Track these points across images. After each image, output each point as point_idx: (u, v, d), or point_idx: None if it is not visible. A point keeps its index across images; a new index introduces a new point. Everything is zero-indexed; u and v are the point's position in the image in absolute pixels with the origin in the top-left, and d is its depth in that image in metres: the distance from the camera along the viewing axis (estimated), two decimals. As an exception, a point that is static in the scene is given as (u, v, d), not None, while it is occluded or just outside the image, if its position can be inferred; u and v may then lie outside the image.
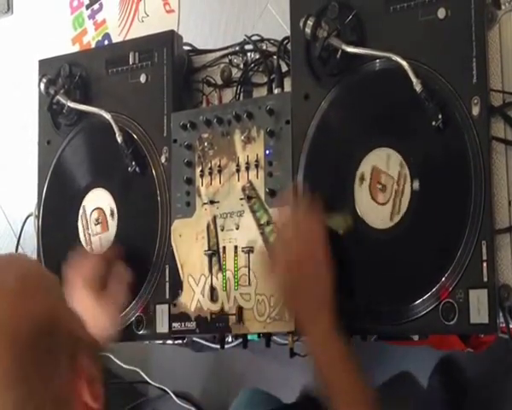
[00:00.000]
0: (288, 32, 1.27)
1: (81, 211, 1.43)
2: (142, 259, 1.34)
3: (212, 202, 1.29)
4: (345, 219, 1.16)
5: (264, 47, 1.37)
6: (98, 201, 1.42)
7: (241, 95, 1.37)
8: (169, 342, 1.37)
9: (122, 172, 1.38)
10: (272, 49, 1.35)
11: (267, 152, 1.25)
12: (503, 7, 1.11)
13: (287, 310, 1.16)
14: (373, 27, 1.17)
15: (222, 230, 1.27)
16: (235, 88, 1.38)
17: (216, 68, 1.40)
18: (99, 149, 1.45)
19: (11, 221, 2.57)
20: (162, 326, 1.30)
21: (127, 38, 2.34)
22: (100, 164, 1.44)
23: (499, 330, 1.05)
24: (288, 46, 1.29)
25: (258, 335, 1.25)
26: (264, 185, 1.24)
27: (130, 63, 1.41)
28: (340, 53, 1.17)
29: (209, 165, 1.30)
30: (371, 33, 1.17)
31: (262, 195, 1.24)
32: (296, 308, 1.12)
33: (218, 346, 1.32)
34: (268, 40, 1.37)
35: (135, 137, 1.38)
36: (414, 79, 1.09)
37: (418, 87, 1.08)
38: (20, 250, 1.69)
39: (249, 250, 1.23)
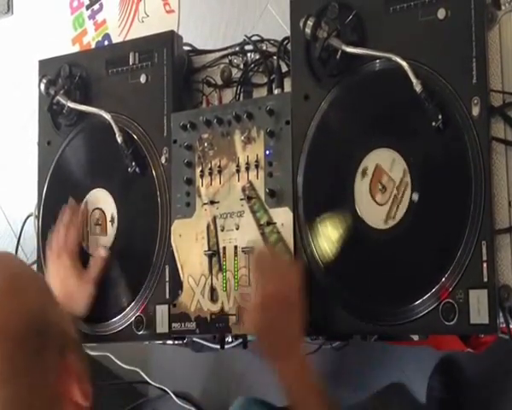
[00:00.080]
0: (287, 33, 1.27)
1: (82, 206, 1.43)
2: (142, 259, 1.34)
3: (212, 203, 1.29)
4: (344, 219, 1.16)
5: (264, 47, 1.37)
6: (98, 201, 1.42)
7: (241, 95, 1.37)
8: (169, 342, 1.37)
9: (122, 172, 1.38)
10: (272, 49, 1.35)
11: (267, 152, 1.25)
12: (503, 7, 1.11)
13: (259, 347, 1.17)
14: (373, 28, 1.17)
15: (222, 230, 1.27)
16: (235, 88, 1.38)
17: (216, 69, 1.40)
18: (99, 150, 1.45)
19: (11, 221, 2.57)
20: (162, 326, 1.30)
21: (127, 38, 2.35)
22: (100, 164, 1.44)
23: (499, 330, 1.05)
24: (288, 46, 1.29)
25: (259, 335, 1.25)
26: (264, 186, 1.24)
27: (131, 63, 1.41)
28: (339, 53, 1.17)
29: (209, 165, 1.30)
30: (371, 34, 1.17)
31: (262, 195, 1.24)
32: (268, 346, 1.13)
33: (218, 346, 1.32)
34: (268, 40, 1.37)
35: (135, 137, 1.38)
36: (414, 80, 1.09)
37: (418, 87, 1.08)
38: (20, 250, 1.68)
39: (249, 251, 1.23)
